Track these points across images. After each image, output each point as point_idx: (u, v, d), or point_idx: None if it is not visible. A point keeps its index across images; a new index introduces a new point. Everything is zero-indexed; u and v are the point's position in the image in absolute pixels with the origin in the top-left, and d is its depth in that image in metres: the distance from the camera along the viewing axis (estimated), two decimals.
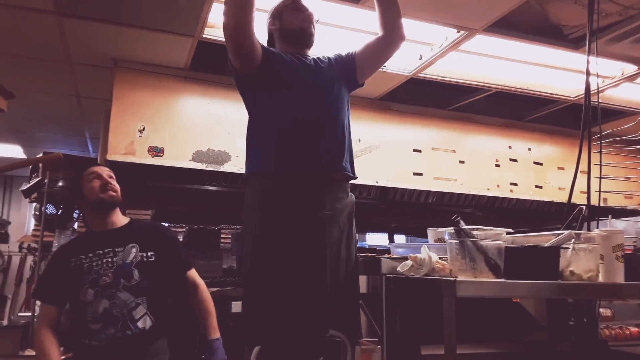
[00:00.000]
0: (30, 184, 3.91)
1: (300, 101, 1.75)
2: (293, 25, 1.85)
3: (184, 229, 4.67)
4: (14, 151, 5.02)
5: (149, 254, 1.95)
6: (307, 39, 1.86)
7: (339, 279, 1.69)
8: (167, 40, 2.66)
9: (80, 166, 3.48)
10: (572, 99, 3.36)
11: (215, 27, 2.60)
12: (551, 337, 1.98)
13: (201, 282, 2.07)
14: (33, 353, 2.69)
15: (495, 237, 1.65)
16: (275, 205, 1.67)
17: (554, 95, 3.33)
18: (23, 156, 5.13)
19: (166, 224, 4.85)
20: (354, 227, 1.83)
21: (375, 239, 6.62)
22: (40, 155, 4.19)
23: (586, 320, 1.96)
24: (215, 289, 3.83)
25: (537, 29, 2.64)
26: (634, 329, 3.37)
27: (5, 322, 2.74)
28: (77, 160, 4.00)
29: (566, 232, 1.66)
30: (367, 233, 6.69)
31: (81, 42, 2.71)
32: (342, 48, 2.01)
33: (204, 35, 2.60)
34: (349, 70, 1.90)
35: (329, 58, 1.92)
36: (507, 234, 1.71)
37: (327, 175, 1.73)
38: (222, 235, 5.08)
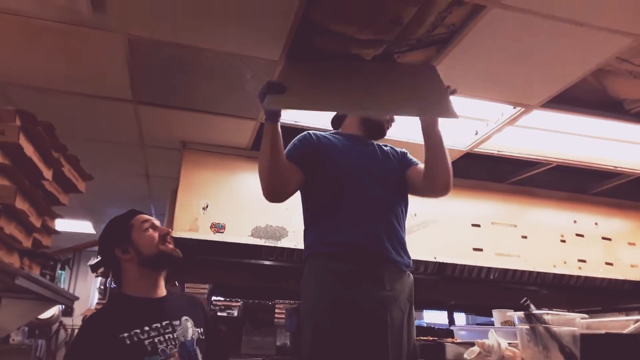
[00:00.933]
0: (98, 259, 4.08)
1: (354, 195, 1.75)
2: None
3: (238, 304, 4.69)
4: (84, 227, 5.31)
5: (201, 330, 1.65)
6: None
7: None
8: (231, 123, 2.83)
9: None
10: (639, 172, 3.24)
11: None
12: None
13: None
14: None
15: (569, 323, 1.56)
16: (333, 287, 1.64)
17: (618, 169, 3.22)
18: (92, 231, 5.41)
19: (221, 298, 4.91)
20: (413, 307, 1.78)
21: (433, 316, 6.36)
22: None
23: None
24: None
25: (596, 103, 2.62)
26: None
27: None
28: None
29: None
30: (425, 310, 6.45)
31: (154, 126, 2.93)
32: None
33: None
34: (402, 171, 1.90)
35: (389, 148, 1.96)
36: (582, 318, 1.61)
37: (386, 257, 1.72)
38: (277, 310, 5.05)
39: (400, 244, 1.76)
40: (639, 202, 3.73)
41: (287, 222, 3.12)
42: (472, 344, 1.74)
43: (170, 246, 1.67)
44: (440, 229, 3.40)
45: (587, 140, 2.94)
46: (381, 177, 1.81)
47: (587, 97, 2.58)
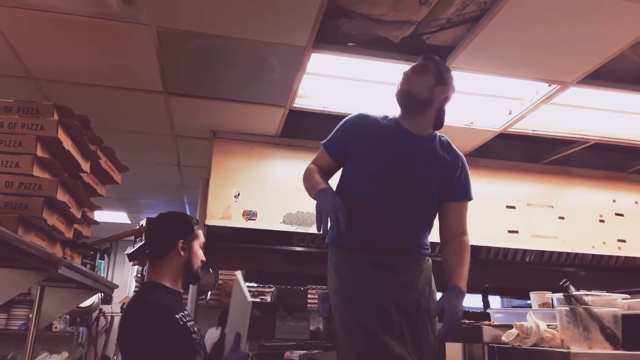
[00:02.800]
0: (135, 248, 4.18)
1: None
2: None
3: (271, 290, 4.75)
4: (119, 217, 5.46)
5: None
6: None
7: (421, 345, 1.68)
8: (260, 111, 2.84)
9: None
10: None
11: (304, 96, 2.74)
12: None
13: None
14: None
15: (610, 304, 1.53)
16: (348, 273, 1.73)
17: None
18: (127, 221, 5.55)
19: (254, 284, 4.97)
20: (434, 288, 1.81)
21: (468, 300, 6.30)
22: (144, 220, 4.51)
23: None
24: (302, 352, 3.81)
25: (635, 78, 2.52)
26: None
27: None
28: None
29: None
30: None
31: (184, 116, 2.96)
32: None
33: (294, 105, 2.75)
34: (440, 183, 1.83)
35: (445, 147, 1.85)
36: (623, 299, 1.57)
37: (396, 250, 1.76)
38: (309, 295, 5.09)
39: (413, 238, 1.79)
40: None
41: None
42: (510, 327, 1.72)
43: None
44: (474, 212, 3.29)
45: (626, 116, 2.85)
46: (409, 180, 1.77)
47: (625, 72, 2.48)
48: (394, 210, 1.76)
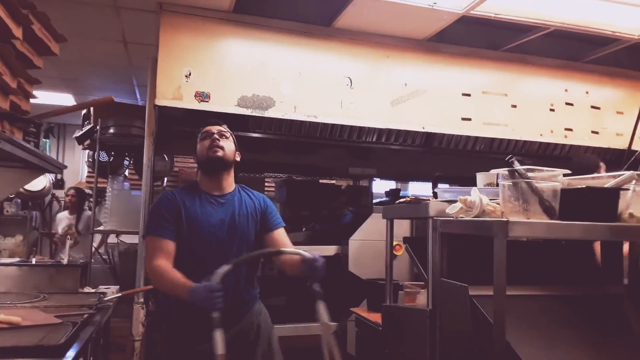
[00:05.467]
0: (83, 131, 4.03)
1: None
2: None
3: None
4: (65, 99, 5.17)
5: None
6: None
7: None
8: None
9: (129, 113, 3.54)
10: (637, 37, 3.13)
11: None
12: (605, 281, 1.93)
13: None
14: (91, 290, 2.85)
15: (551, 179, 1.60)
16: None
17: (617, 34, 3.10)
18: (74, 103, 5.28)
19: None
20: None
21: (418, 188, 6.56)
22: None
23: None
24: None
25: None
26: None
27: (64, 262, 2.90)
28: (127, 107, 4.08)
29: (627, 172, 1.58)
30: (410, 182, 6.64)
31: None
32: None
33: None
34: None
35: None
36: (564, 175, 1.64)
37: None
38: (266, 183, 5.16)
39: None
40: (631, 71, 3.67)
41: (275, 92, 3.05)
42: (455, 202, 1.79)
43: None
44: (430, 99, 3.36)
45: (588, 1, 2.79)
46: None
47: None
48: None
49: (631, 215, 1.59)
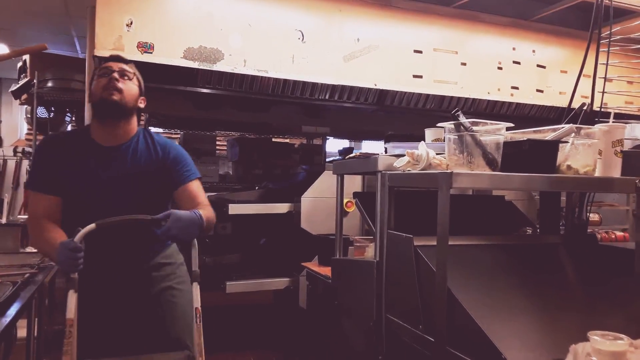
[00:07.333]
0: (20, 85, 3.79)
1: None
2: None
3: (178, 135, 4.64)
4: None
5: None
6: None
7: None
8: None
9: (68, 65, 3.35)
10: None
11: None
12: (542, 231, 2.02)
13: None
14: (33, 250, 2.75)
15: (495, 132, 1.63)
16: None
17: None
18: None
19: (160, 130, 4.83)
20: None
21: (371, 147, 6.62)
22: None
23: (577, 215, 1.99)
24: (213, 194, 3.90)
25: None
26: (619, 234, 3.48)
27: (4, 221, 2.78)
28: (66, 60, 3.86)
29: (567, 125, 1.63)
30: (363, 141, 6.70)
31: None
32: None
33: None
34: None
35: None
36: (507, 129, 1.68)
37: None
38: (218, 141, 5.06)
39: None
40: (576, 30, 3.75)
41: (223, 44, 2.93)
42: (403, 156, 1.80)
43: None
44: (382, 55, 3.33)
45: None
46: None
47: None
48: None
49: (569, 167, 1.66)
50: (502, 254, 1.70)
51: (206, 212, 1.76)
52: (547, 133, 1.68)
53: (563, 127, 1.63)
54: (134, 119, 1.86)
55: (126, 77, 1.79)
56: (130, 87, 1.79)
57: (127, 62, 1.86)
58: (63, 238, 1.61)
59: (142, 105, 1.88)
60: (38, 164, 1.81)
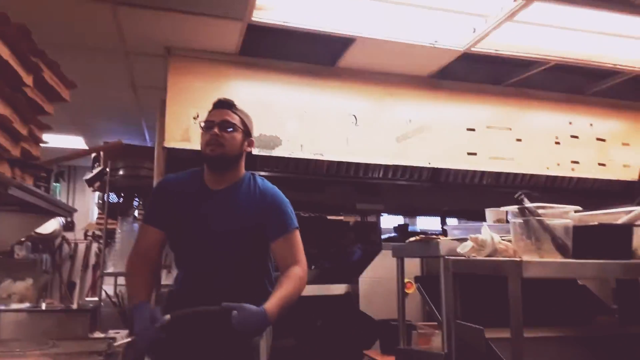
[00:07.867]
0: (93, 174, 4.07)
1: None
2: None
3: None
4: (76, 142, 5.23)
5: None
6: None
7: None
8: (216, 25, 2.68)
9: (138, 154, 3.57)
10: (638, 69, 3.16)
11: (263, 9, 2.59)
12: (621, 320, 1.88)
13: None
14: (101, 335, 2.81)
15: (563, 216, 1.58)
16: None
17: (618, 66, 3.13)
18: (85, 147, 5.35)
19: None
20: None
21: (427, 223, 6.51)
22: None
23: None
24: None
25: None
26: None
27: (74, 306, 2.87)
28: (136, 149, 4.13)
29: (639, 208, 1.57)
30: (418, 217, 6.60)
31: (135, 30, 2.77)
32: None
33: (252, 18, 2.60)
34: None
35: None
36: (575, 212, 1.63)
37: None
38: None
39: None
40: (634, 102, 3.69)
41: (281, 130, 3.08)
42: (465, 240, 1.77)
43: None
44: (435, 135, 3.37)
45: (588, 36, 2.84)
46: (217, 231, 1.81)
47: None
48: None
49: None
50: (580, 347, 1.59)
51: (284, 293, 1.73)
52: (619, 215, 1.61)
53: (636, 210, 1.57)
54: (240, 164, 1.89)
55: (228, 128, 1.82)
56: (233, 138, 1.82)
57: (230, 106, 1.89)
58: (144, 294, 1.70)
59: (249, 149, 1.90)
60: (154, 199, 1.92)
